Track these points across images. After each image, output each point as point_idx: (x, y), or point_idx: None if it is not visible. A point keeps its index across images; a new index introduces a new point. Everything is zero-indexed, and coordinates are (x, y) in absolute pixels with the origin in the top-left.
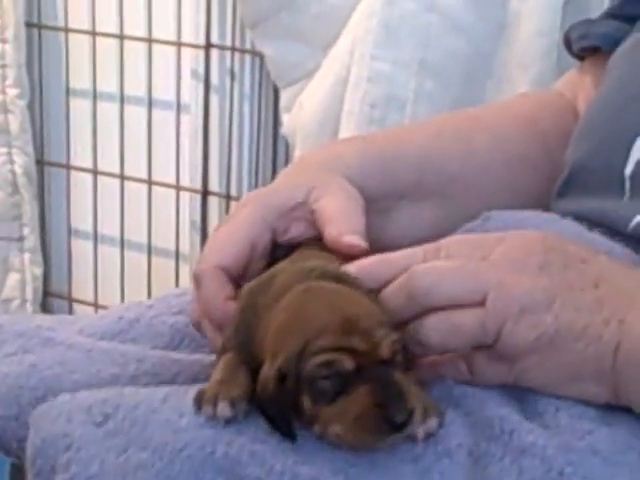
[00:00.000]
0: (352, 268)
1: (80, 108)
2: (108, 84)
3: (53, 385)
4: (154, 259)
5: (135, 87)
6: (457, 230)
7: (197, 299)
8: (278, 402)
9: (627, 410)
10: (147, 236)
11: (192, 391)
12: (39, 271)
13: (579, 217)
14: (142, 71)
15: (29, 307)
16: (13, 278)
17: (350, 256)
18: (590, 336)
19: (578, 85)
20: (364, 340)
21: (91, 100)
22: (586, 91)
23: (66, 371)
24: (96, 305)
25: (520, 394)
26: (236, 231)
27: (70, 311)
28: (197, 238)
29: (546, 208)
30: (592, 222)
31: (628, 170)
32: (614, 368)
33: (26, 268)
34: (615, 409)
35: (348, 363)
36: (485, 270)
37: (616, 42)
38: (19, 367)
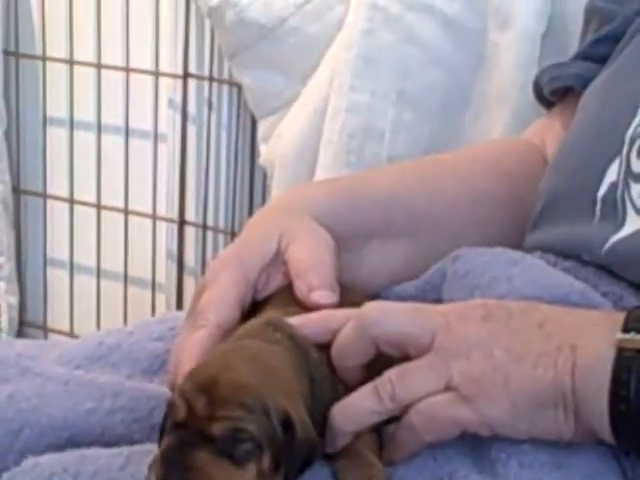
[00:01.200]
0: (296, 322)
1: (57, 137)
2: (85, 113)
3: (29, 418)
4: (130, 289)
5: (112, 116)
6: (428, 270)
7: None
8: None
9: (579, 450)
10: (123, 265)
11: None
12: (14, 300)
13: (549, 249)
14: (119, 100)
15: (4, 337)
16: None
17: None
18: (546, 362)
19: (546, 130)
20: (207, 406)
21: (68, 129)
22: (555, 135)
23: (43, 404)
24: (72, 335)
25: (473, 442)
26: (225, 294)
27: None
28: (173, 268)
29: (513, 245)
30: (561, 253)
31: (601, 192)
32: (573, 389)
33: (1, 297)
34: (568, 449)
35: (178, 414)
36: (433, 312)
37: (587, 82)
38: None
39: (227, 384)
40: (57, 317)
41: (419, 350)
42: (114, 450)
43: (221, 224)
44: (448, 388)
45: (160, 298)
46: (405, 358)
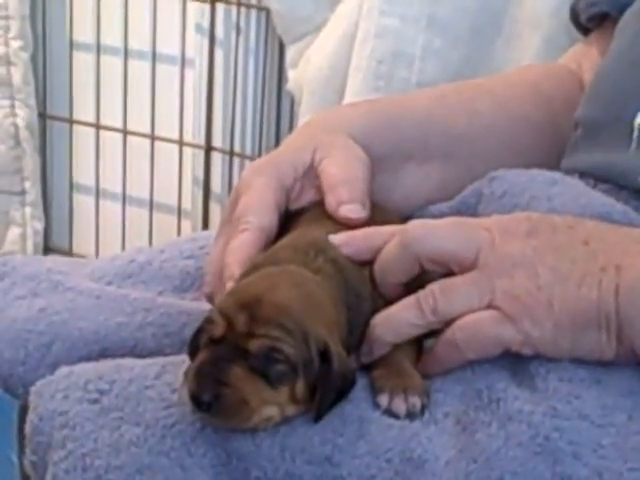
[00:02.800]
0: (340, 240)
1: (83, 61)
2: (112, 37)
3: (60, 331)
4: (156, 215)
5: (139, 41)
6: (464, 190)
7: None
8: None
9: (618, 368)
10: (149, 192)
11: (186, 364)
12: (40, 225)
13: (586, 174)
14: (146, 25)
15: None
16: (14, 232)
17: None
18: (590, 282)
19: (583, 56)
20: (247, 323)
21: (95, 53)
22: (592, 61)
23: (74, 317)
24: None
25: (511, 356)
26: (263, 198)
27: None
28: (199, 194)
29: (550, 170)
30: (599, 178)
31: (638, 120)
32: (617, 310)
33: (27, 222)
34: (607, 366)
35: (216, 330)
36: (477, 227)
37: (624, 7)
38: (28, 311)
39: (270, 304)
40: (82, 243)
41: (463, 267)
42: (149, 360)
43: (248, 150)
44: (491, 306)
45: (186, 224)
46: (448, 275)
